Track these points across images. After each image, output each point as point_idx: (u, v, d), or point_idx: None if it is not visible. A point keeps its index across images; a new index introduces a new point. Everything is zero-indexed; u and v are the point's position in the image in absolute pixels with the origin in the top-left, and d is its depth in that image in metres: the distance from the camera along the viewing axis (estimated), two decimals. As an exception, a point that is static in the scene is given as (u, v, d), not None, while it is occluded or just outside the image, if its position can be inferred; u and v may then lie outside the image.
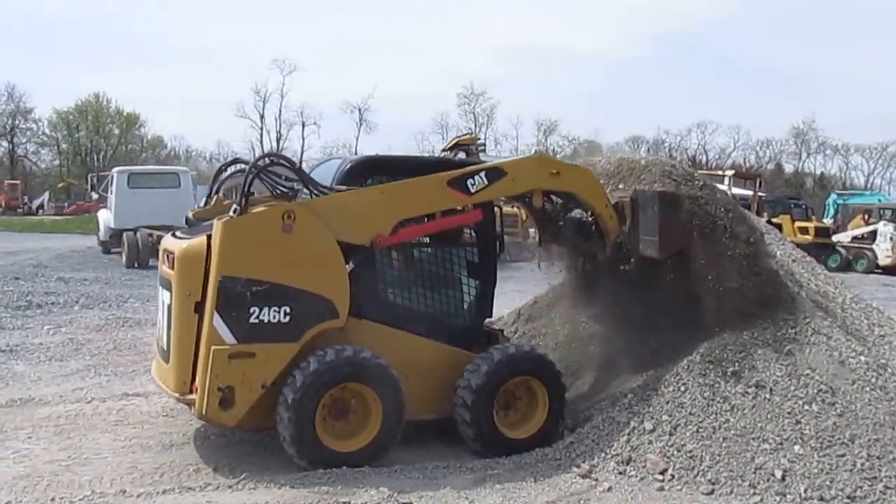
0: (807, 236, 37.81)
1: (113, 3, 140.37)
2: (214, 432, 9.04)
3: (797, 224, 39.00)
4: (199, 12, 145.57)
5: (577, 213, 9.47)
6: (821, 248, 37.29)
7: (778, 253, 10.66)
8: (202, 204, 9.51)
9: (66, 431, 9.27)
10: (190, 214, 9.25)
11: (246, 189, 8.06)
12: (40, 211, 74.71)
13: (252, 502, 7.13)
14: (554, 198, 9.54)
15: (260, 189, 8.32)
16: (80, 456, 8.48)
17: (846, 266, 38.24)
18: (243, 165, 8.68)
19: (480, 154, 9.70)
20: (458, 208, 8.91)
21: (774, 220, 36.95)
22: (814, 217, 42.63)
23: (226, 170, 9.50)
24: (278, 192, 8.46)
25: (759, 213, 35.15)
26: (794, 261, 10.86)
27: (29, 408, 10.16)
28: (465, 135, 9.85)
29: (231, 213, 8.02)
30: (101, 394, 10.87)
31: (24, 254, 30.76)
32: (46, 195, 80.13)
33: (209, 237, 7.96)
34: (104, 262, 29.06)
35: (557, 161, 9.14)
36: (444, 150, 9.86)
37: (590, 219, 9.36)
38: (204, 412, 7.84)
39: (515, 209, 37.46)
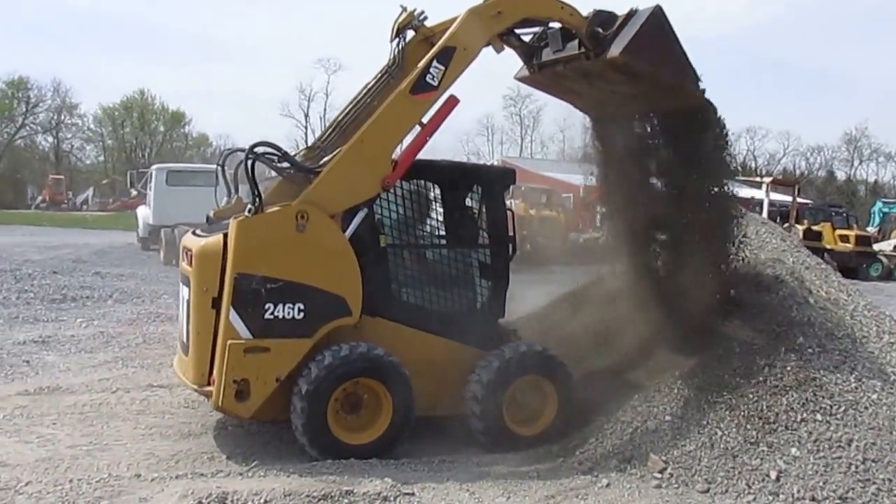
0: (847, 244, 37.49)
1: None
2: (232, 423, 9.32)
3: (838, 232, 38.47)
4: (248, 10, 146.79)
5: (551, 27, 9.45)
6: (862, 257, 37.10)
7: (790, 260, 10.78)
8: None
9: (90, 419, 9.59)
10: (210, 213, 9.48)
11: (250, 177, 8.29)
12: (84, 207, 75.29)
13: (261, 489, 7.33)
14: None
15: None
16: (100, 442, 8.81)
17: (888, 275, 37.79)
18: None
19: (425, 23, 9.46)
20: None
21: (815, 227, 36.78)
22: (856, 225, 42.09)
23: (224, 162, 9.45)
24: (285, 173, 8.76)
25: (798, 221, 35.09)
26: (806, 268, 10.95)
27: (56, 396, 10.49)
28: (400, 15, 9.50)
29: (246, 213, 8.26)
30: (127, 384, 11.16)
31: (65, 248, 31.19)
32: (91, 191, 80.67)
33: (225, 235, 8.22)
34: (142, 258, 29.48)
35: (490, 2, 8.94)
36: (391, 41, 9.53)
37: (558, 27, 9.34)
38: (220, 403, 8.12)
39: (555, 213, 37.36)
